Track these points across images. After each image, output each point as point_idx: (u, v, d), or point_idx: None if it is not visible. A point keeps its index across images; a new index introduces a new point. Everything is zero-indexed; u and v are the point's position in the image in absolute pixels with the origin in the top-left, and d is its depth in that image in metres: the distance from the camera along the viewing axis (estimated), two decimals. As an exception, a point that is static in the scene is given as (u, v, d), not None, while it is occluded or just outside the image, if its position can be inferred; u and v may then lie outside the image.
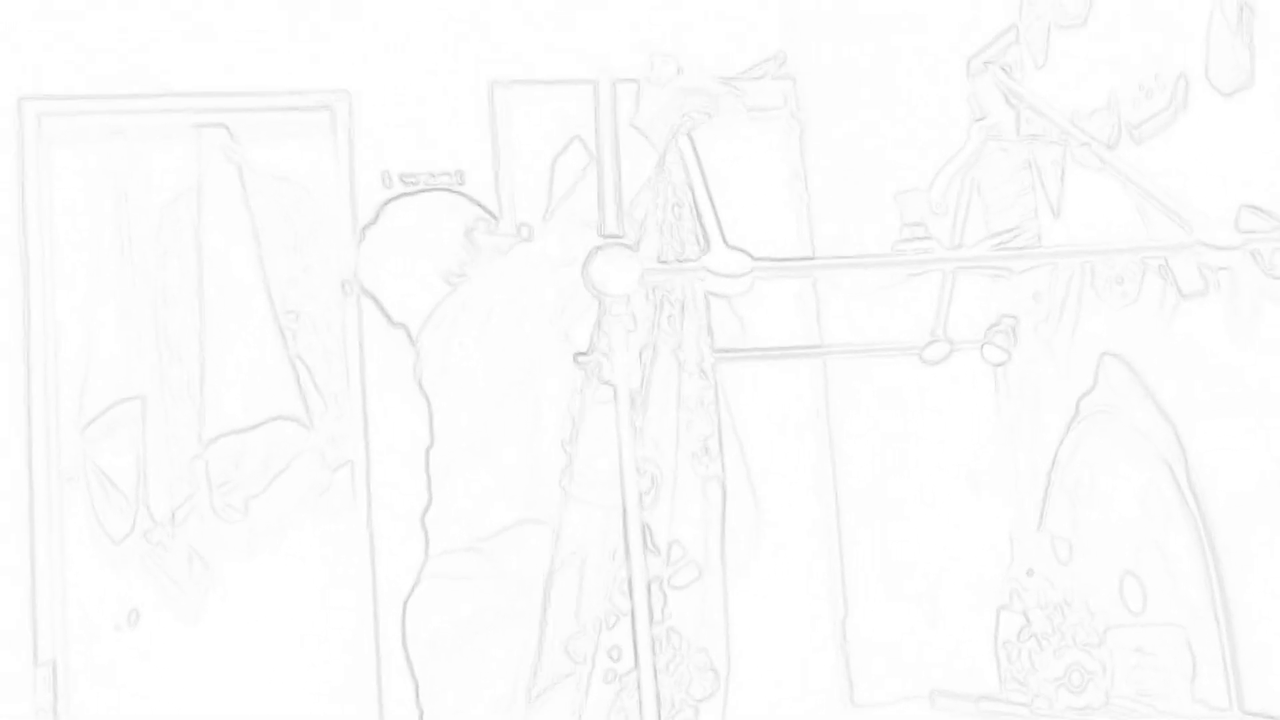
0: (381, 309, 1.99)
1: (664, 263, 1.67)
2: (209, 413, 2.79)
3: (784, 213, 3.24)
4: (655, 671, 1.63)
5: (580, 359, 1.88)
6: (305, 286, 3.00)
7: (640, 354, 2.75)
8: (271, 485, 2.88)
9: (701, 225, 1.68)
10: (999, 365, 2.25)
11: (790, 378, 3.13)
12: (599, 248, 1.64)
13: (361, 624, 2.91)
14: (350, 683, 2.93)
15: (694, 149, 1.73)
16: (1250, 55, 1.76)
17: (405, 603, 2.00)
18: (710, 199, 1.69)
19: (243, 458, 2.87)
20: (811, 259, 2.41)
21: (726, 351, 2.86)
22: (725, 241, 1.66)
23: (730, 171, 3.22)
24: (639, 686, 1.66)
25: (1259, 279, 1.73)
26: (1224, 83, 1.81)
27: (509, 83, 3.14)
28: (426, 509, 2.06)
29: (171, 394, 2.84)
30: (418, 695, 1.92)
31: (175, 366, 2.84)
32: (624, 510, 1.67)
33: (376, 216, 1.99)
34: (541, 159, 3.17)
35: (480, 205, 2.09)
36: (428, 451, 2.07)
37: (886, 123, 2.82)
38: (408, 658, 1.94)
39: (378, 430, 2.99)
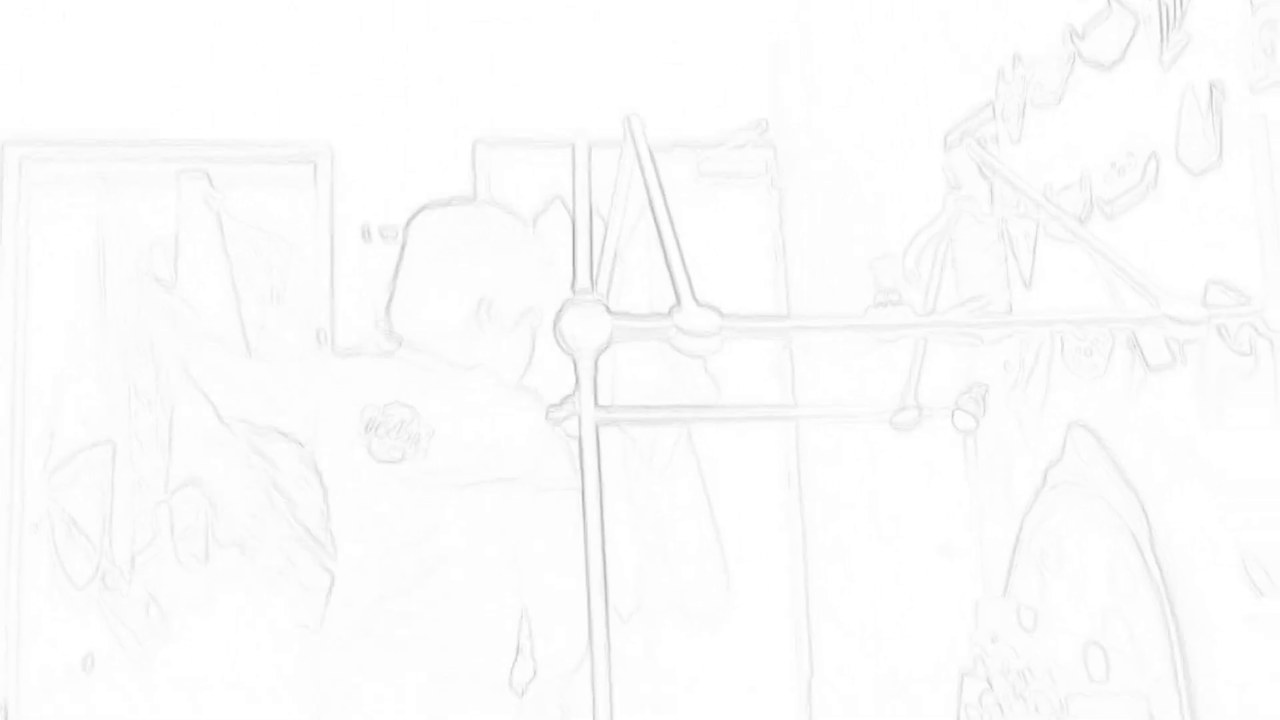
0: None
1: (634, 319, 1.68)
2: (178, 458, 2.77)
3: (762, 276, 3.27)
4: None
5: (552, 412, 1.88)
6: (280, 337, 3.00)
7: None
8: (241, 535, 2.86)
9: (672, 282, 1.69)
10: (968, 432, 2.26)
11: (763, 440, 3.13)
12: (570, 302, 1.65)
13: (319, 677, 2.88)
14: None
15: (666, 206, 1.74)
16: (1219, 136, 1.80)
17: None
18: (681, 256, 1.70)
19: (212, 504, 2.85)
20: (781, 319, 2.42)
21: (700, 411, 2.87)
22: (695, 299, 1.67)
23: (710, 234, 3.25)
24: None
25: (1225, 354, 1.75)
26: (1194, 162, 1.84)
27: (492, 142, 3.17)
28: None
29: (139, 441, 2.82)
30: None
31: (145, 413, 2.83)
32: (586, 567, 1.66)
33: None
34: (523, 217, 3.20)
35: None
36: None
37: (864, 192, 2.86)
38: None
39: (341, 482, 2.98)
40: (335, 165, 3.09)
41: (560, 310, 1.73)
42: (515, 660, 1.92)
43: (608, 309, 1.73)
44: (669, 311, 1.74)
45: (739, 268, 3.22)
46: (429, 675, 1.85)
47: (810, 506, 2.68)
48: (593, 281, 1.80)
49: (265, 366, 1.97)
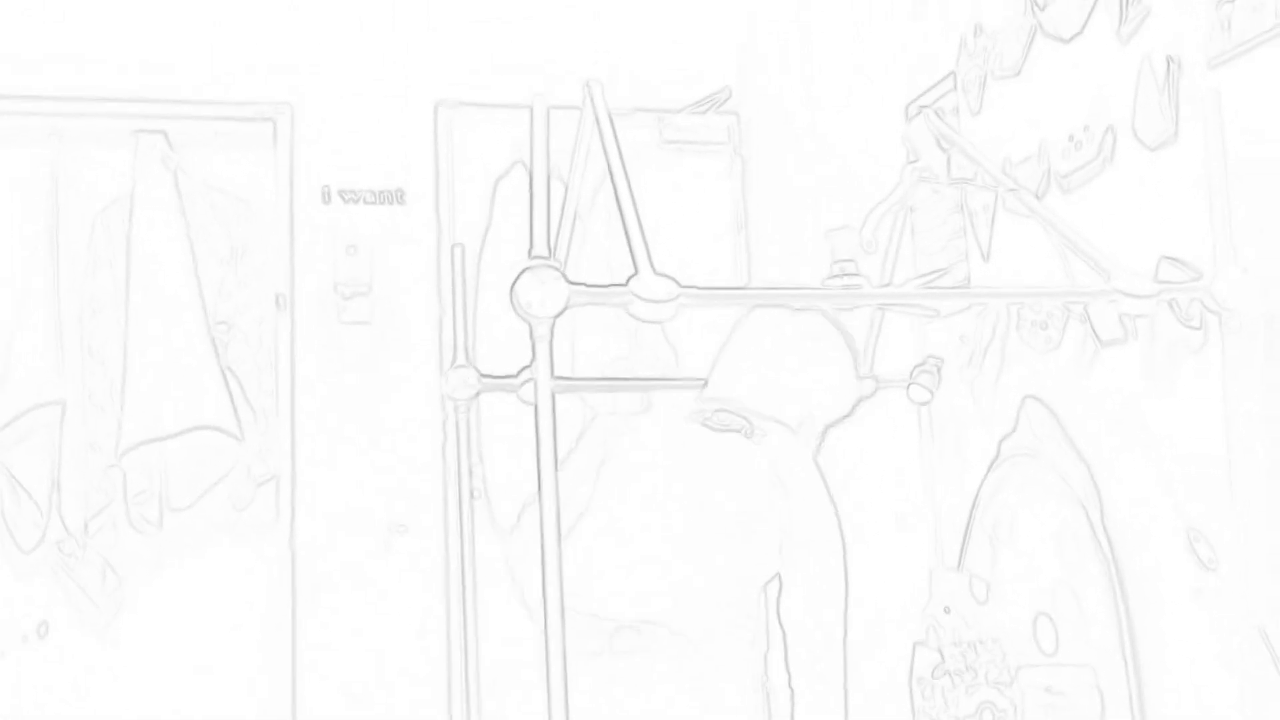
0: None
1: (590, 287, 1.67)
2: (128, 420, 2.74)
3: (724, 242, 3.27)
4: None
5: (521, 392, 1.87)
6: (239, 298, 2.97)
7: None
8: (201, 498, 2.84)
9: (630, 250, 1.68)
10: (923, 404, 2.27)
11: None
12: (527, 269, 1.64)
13: (279, 643, 2.87)
14: (264, 701, 2.88)
15: (625, 173, 1.73)
16: (1176, 111, 1.80)
17: None
18: (639, 224, 1.69)
19: (165, 468, 2.82)
20: (738, 289, 2.42)
21: (659, 380, 2.87)
22: (652, 267, 1.66)
23: (672, 201, 3.24)
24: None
25: (1176, 329, 1.76)
26: (1150, 137, 1.85)
27: (453, 103, 3.15)
28: None
29: (94, 402, 2.80)
30: None
31: (99, 373, 2.80)
32: (542, 533, 1.66)
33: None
34: (484, 180, 3.18)
35: None
36: None
37: (826, 161, 2.86)
38: None
39: (305, 446, 2.97)
40: (295, 125, 3.06)
41: (517, 276, 1.72)
42: None
43: (564, 276, 1.72)
44: (626, 279, 1.73)
45: (701, 234, 3.21)
46: None
47: (766, 476, 2.68)
48: (550, 248, 1.79)
49: None
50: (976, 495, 2.14)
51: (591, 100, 1.92)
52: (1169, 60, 1.82)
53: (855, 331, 2.22)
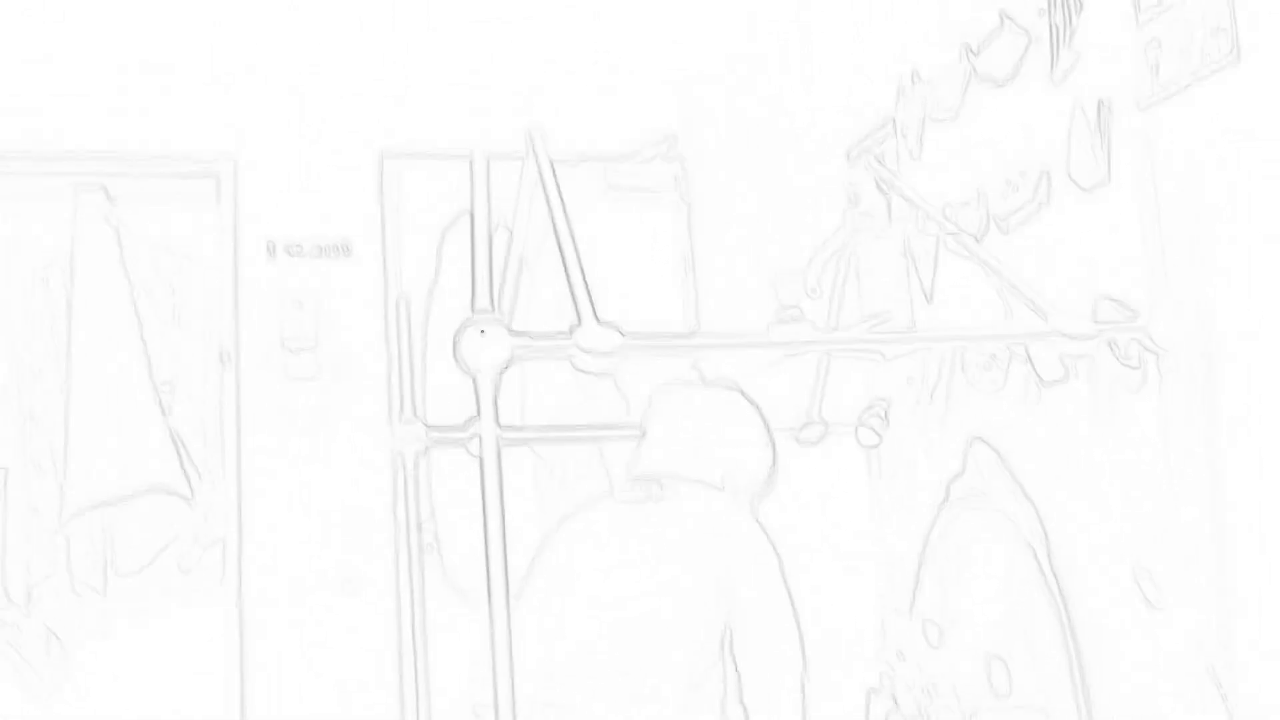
0: None
1: (534, 339, 1.66)
2: (71, 485, 2.69)
3: (671, 289, 3.27)
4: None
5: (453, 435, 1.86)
6: (182, 357, 2.93)
7: None
8: (149, 563, 2.79)
9: (573, 300, 1.68)
10: (872, 448, 2.28)
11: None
12: (468, 322, 1.63)
13: (229, 707, 2.81)
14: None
15: (568, 223, 1.73)
16: (1108, 153, 1.83)
17: None
18: (582, 274, 1.69)
19: (111, 532, 2.77)
20: (683, 336, 2.42)
21: (609, 430, 2.86)
22: (596, 317, 1.66)
23: (619, 248, 3.24)
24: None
25: (1115, 368, 1.78)
26: (1084, 178, 1.87)
27: (398, 154, 3.14)
28: None
29: (35, 466, 2.74)
30: None
31: (40, 438, 2.75)
32: (489, 585, 1.64)
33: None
34: (431, 230, 3.17)
35: None
36: None
37: (771, 206, 2.87)
38: None
39: (253, 505, 2.92)
40: (238, 179, 3.03)
41: (459, 330, 1.71)
42: None
43: (508, 329, 1.71)
44: (570, 330, 1.73)
45: (648, 281, 3.21)
46: None
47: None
48: (493, 300, 1.78)
49: None
50: (927, 538, 2.14)
51: (534, 149, 1.93)
52: (1100, 103, 1.85)
53: (802, 375, 2.22)
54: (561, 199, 1.89)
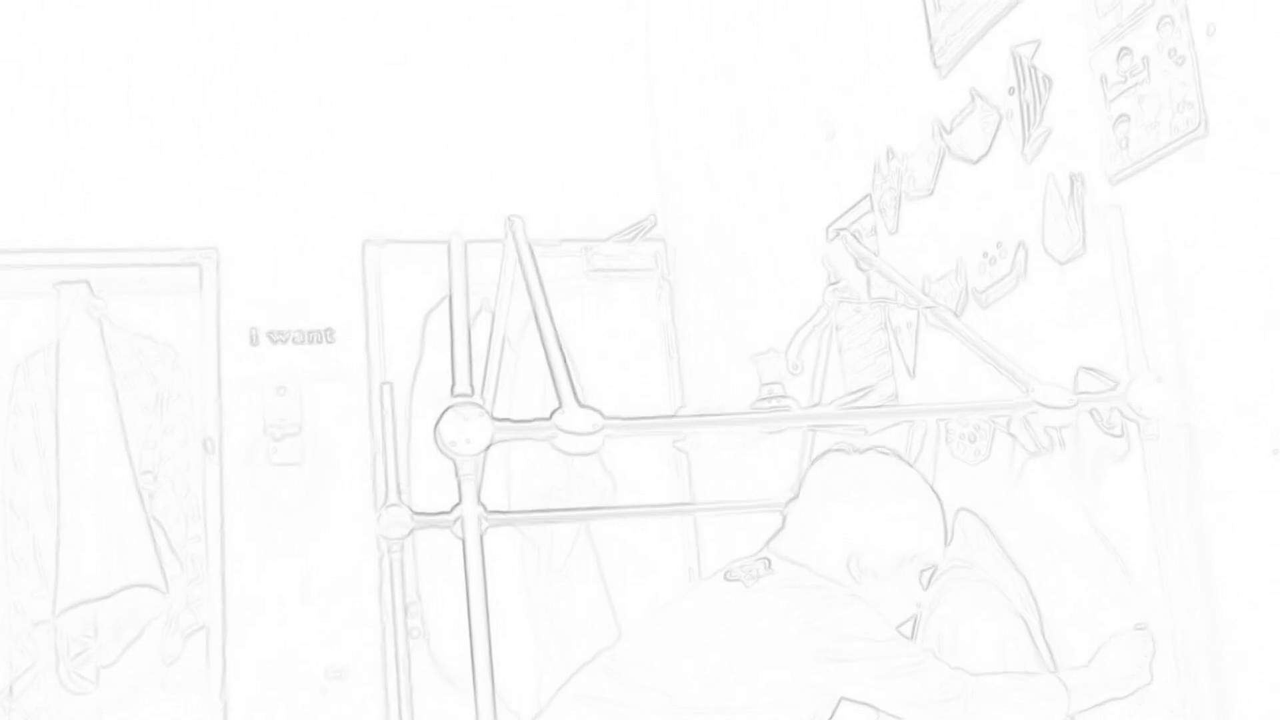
0: None
1: (515, 422, 1.66)
2: (64, 579, 2.67)
3: (656, 368, 3.28)
4: None
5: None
6: (165, 446, 2.92)
7: None
8: (124, 653, 2.75)
9: (554, 383, 1.68)
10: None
11: (662, 533, 3.12)
12: (449, 406, 1.63)
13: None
14: None
15: (548, 307, 1.74)
16: (1082, 225, 1.85)
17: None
18: (563, 356, 1.69)
19: (97, 626, 2.74)
20: (664, 417, 2.42)
21: (596, 510, 2.85)
22: (577, 399, 1.66)
23: (602, 328, 3.26)
24: None
25: (1098, 437, 1.78)
26: (1059, 251, 1.89)
27: (380, 241, 3.16)
28: None
29: (15, 560, 2.72)
30: None
31: (21, 531, 2.73)
32: (473, 673, 1.62)
33: None
34: (414, 315, 3.18)
35: None
36: None
37: (752, 284, 2.89)
38: None
39: (237, 592, 2.90)
40: (221, 269, 3.05)
41: (440, 415, 1.71)
42: None
43: (488, 413, 1.71)
44: (550, 413, 1.73)
45: (632, 360, 3.23)
46: None
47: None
48: (472, 384, 1.78)
49: None
50: (918, 610, 2.12)
51: (513, 235, 1.94)
52: (1072, 178, 1.87)
53: (786, 452, 2.22)
54: (541, 283, 1.90)
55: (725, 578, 1.82)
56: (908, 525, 1.76)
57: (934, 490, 1.81)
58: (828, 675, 1.69)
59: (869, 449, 1.87)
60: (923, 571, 1.79)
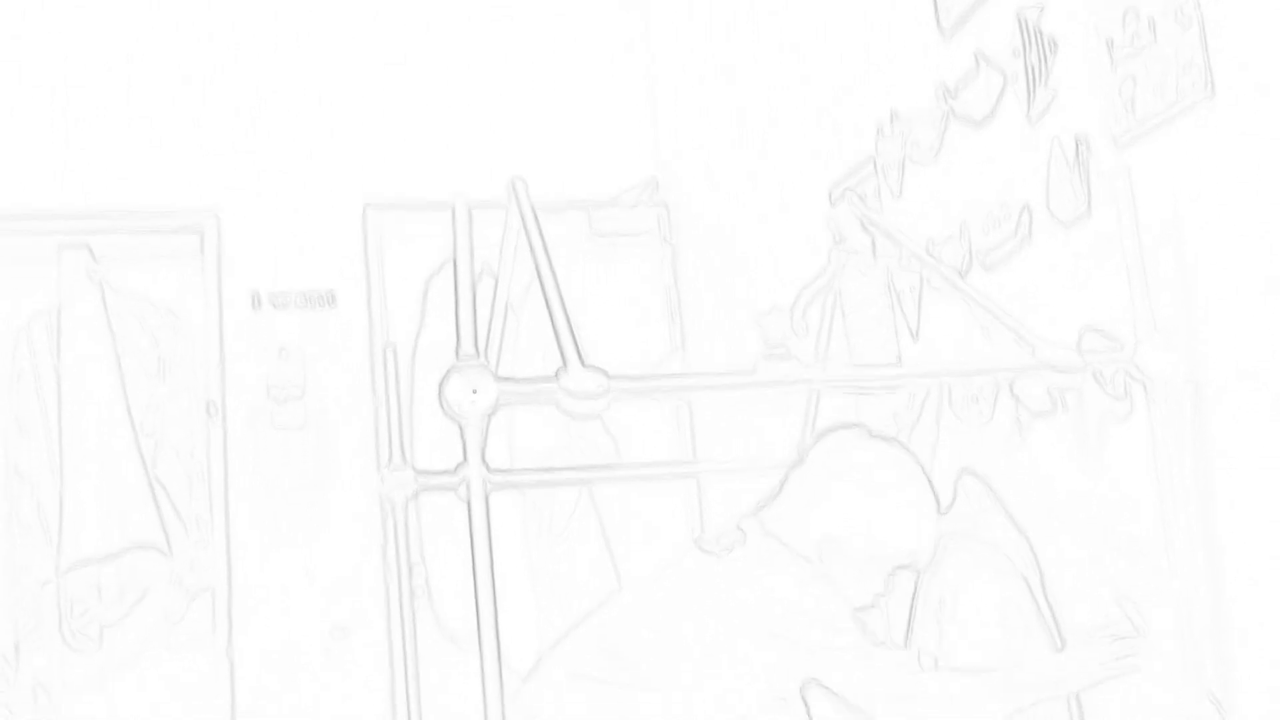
0: None
1: (520, 381, 1.67)
2: (67, 540, 2.68)
3: (658, 331, 3.28)
4: None
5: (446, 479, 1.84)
6: (168, 410, 2.92)
7: None
8: (128, 614, 2.77)
9: (558, 344, 1.68)
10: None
11: (664, 497, 3.13)
12: (453, 368, 1.63)
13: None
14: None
15: (551, 269, 1.74)
16: (1087, 187, 1.85)
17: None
18: (566, 318, 1.69)
19: (100, 585, 2.75)
20: (668, 377, 2.43)
21: (598, 471, 2.86)
22: (581, 361, 1.66)
23: (605, 292, 3.26)
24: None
25: (1102, 399, 1.79)
26: (1064, 213, 1.89)
27: (382, 205, 3.15)
28: None
29: (20, 522, 2.73)
30: None
31: (26, 494, 2.74)
32: (479, 635, 1.63)
33: None
34: (416, 278, 3.18)
35: None
36: None
37: (754, 246, 2.89)
38: None
39: (241, 554, 2.91)
40: (222, 233, 3.04)
41: (445, 376, 1.71)
42: None
43: (493, 374, 1.71)
44: (555, 374, 1.73)
45: (635, 324, 3.23)
46: None
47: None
48: (477, 346, 1.78)
49: None
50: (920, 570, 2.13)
51: (516, 197, 1.94)
52: (1077, 140, 1.87)
53: (790, 412, 2.23)
54: (545, 246, 1.90)
55: (699, 547, 1.82)
56: (904, 525, 1.77)
57: (935, 494, 1.82)
58: (780, 654, 1.70)
59: (892, 439, 1.87)
60: (896, 569, 1.81)
